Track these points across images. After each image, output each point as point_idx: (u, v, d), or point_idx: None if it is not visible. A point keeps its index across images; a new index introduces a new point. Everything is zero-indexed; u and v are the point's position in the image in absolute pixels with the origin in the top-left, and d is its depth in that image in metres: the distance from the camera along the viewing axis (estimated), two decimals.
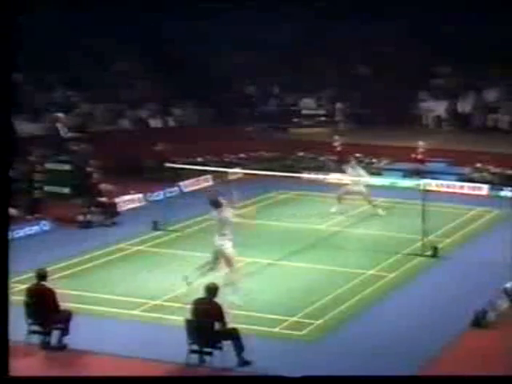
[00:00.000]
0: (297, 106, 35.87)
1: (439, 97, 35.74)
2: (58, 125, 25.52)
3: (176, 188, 26.44)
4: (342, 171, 24.97)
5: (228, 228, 16.63)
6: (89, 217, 22.75)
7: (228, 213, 16.71)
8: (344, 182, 24.73)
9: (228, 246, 16.59)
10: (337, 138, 30.08)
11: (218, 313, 13.48)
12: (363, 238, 21.76)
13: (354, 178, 24.14)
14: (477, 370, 13.19)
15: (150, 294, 16.95)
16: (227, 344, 13.45)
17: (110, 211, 23.07)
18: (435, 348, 14.30)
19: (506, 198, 26.06)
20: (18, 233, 21.20)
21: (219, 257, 16.73)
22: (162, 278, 18.09)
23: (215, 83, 35.22)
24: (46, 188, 24.21)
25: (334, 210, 23.88)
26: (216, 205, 16.86)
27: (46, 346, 14.35)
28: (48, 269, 15.24)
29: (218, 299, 13.76)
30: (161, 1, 34.88)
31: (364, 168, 29.09)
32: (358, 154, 29.57)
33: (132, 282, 17.91)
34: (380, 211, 23.92)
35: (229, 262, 16.63)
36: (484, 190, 26.79)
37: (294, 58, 36.31)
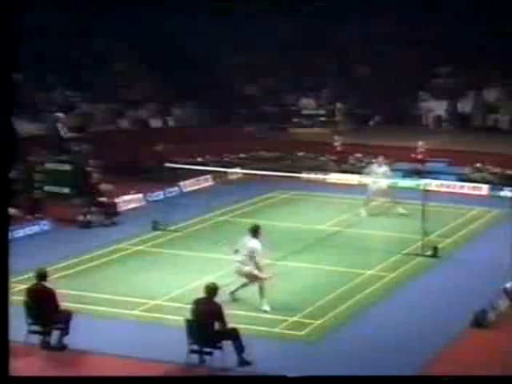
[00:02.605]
0: (297, 106, 35.87)
1: (439, 97, 35.73)
2: (58, 125, 25.49)
3: (176, 188, 26.43)
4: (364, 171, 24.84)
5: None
6: (89, 217, 22.76)
7: (258, 250, 16.25)
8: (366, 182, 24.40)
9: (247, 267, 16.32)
10: (337, 137, 30.13)
11: (217, 313, 13.48)
12: (363, 237, 21.77)
13: (379, 176, 23.87)
14: (477, 370, 13.19)
15: (149, 294, 16.95)
16: (227, 344, 13.46)
17: (110, 211, 23.08)
18: (435, 348, 14.30)
19: (505, 197, 26.08)
20: (18, 233, 21.21)
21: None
22: (162, 278, 18.09)
23: (215, 83, 35.22)
24: (46, 188, 24.19)
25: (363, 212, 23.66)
26: (255, 235, 16.44)
27: (46, 346, 14.35)
28: (48, 269, 15.23)
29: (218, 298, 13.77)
30: (161, 1, 34.87)
31: (364, 167, 29.14)
32: (358, 154, 29.63)
33: (132, 282, 17.91)
34: (401, 209, 23.56)
35: (255, 277, 16.33)
36: (484, 190, 26.80)
37: (293, 57, 36.31)
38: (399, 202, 23.78)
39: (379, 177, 23.88)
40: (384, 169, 24.11)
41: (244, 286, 16.55)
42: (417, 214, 20.38)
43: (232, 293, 16.53)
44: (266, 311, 16.06)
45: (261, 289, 16.22)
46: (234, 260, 16.55)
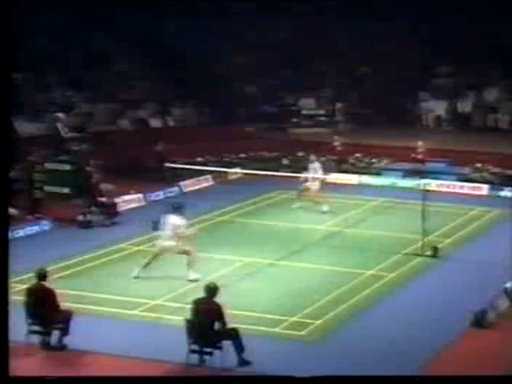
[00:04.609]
0: (297, 106, 35.87)
1: (439, 97, 35.73)
2: (58, 125, 25.50)
3: (176, 188, 26.44)
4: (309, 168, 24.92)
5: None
6: (89, 217, 22.76)
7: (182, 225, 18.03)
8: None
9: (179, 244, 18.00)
10: (337, 137, 30.14)
11: (217, 313, 13.47)
12: (363, 237, 21.75)
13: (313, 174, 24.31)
14: (477, 370, 13.19)
15: (150, 294, 16.96)
16: (227, 344, 13.46)
17: (110, 211, 23.07)
18: (435, 348, 14.30)
19: (506, 197, 26.08)
20: (18, 233, 21.22)
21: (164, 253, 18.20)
22: (162, 277, 18.08)
23: (215, 83, 35.22)
24: (46, 188, 24.19)
25: (325, 209, 24.03)
26: (179, 211, 18.10)
27: (46, 346, 14.35)
28: (48, 269, 15.23)
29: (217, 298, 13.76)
30: (161, 1, 34.89)
31: (364, 167, 29.15)
32: (357, 154, 29.66)
33: (132, 282, 17.90)
34: (325, 207, 24.03)
35: (186, 252, 17.98)
36: (484, 190, 26.80)
37: (293, 57, 36.32)
38: (324, 198, 24.16)
39: (315, 173, 24.30)
40: (316, 165, 24.49)
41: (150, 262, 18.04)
42: (417, 214, 20.37)
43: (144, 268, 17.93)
44: (196, 280, 17.33)
45: (190, 261, 17.76)
46: (158, 236, 18.25)
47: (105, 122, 32.44)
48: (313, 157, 24.83)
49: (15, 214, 22.08)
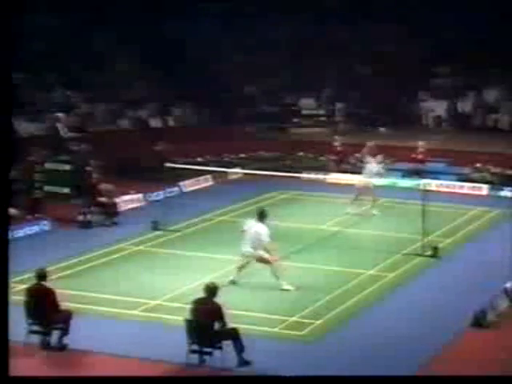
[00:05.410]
0: (297, 106, 35.88)
1: (439, 97, 35.75)
2: (58, 125, 25.55)
3: (176, 188, 26.44)
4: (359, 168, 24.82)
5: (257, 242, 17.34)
6: (89, 217, 22.76)
7: (263, 234, 17.25)
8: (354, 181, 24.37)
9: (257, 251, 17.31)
10: (337, 137, 30.15)
11: (217, 313, 13.48)
12: (363, 237, 21.77)
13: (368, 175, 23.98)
14: (477, 369, 13.20)
15: (149, 294, 16.96)
16: (227, 344, 13.46)
17: (110, 211, 23.08)
18: (435, 348, 14.30)
19: (506, 197, 26.08)
20: (18, 233, 21.21)
21: (251, 261, 17.53)
22: (162, 278, 18.10)
23: (215, 83, 35.23)
24: (46, 188, 24.22)
25: (349, 210, 23.90)
26: (262, 218, 17.46)
27: (46, 346, 14.35)
28: (48, 269, 15.23)
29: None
30: (161, 1, 34.87)
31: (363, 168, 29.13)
32: (357, 154, 29.62)
33: (132, 282, 17.91)
34: (374, 211, 23.96)
35: (265, 260, 17.32)
36: (484, 190, 26.81)
37: (293, 57, 36.32)
38: (377, 200, 24.09)
39: (372, 175, 23.97)
40: (377, 168, 24.20)
41: (241, 268, 17.56)
42: (417, 214, 20.37)
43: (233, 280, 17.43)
44: (289, 290, 17.07)
45: (274, 271, 17.13)
46: (242, 243, 17.39)
47: (105, 122, 32.45)
48: (369, 158, 24.41)
49: (15, 214, 22.10)
